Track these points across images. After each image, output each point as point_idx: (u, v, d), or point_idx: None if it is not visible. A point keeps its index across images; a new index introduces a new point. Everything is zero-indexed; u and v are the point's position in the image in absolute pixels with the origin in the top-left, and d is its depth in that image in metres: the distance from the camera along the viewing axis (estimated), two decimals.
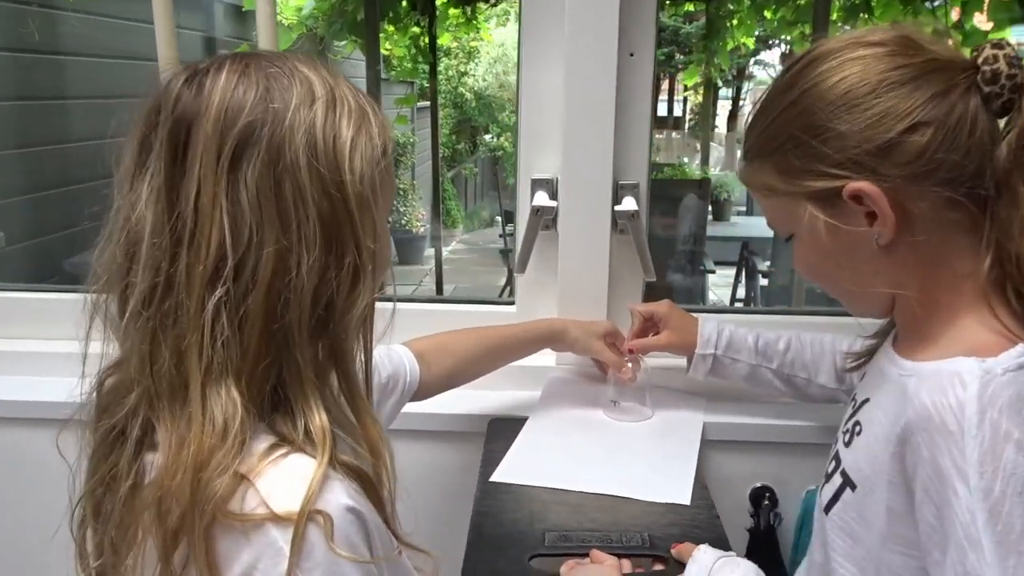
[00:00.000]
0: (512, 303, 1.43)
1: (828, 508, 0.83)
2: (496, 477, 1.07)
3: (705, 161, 7.38)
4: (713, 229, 5.38)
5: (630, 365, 1.24)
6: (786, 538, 1.32)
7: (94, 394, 0.66)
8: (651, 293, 1.42)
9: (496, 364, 1.22)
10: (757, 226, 5.64)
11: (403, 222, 7.49)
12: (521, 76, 1.31)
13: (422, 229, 7.63)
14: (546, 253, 1.35)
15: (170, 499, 0.57)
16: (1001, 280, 0.74)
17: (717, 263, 4.99)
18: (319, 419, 0.61)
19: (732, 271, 5.27)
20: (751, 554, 1.30)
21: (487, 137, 11.35)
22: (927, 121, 0.72)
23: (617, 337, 1.28)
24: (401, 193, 7.62)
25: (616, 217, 1.30)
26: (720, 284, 5.60)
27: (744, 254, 5.16)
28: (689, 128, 12.44)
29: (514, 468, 1.09)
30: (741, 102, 14.47)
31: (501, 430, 1.20)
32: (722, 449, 1.28)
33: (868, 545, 0.77)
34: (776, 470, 1.32)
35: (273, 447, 0.60)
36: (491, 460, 1.11)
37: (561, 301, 1.34)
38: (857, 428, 0.82)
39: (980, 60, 0.73)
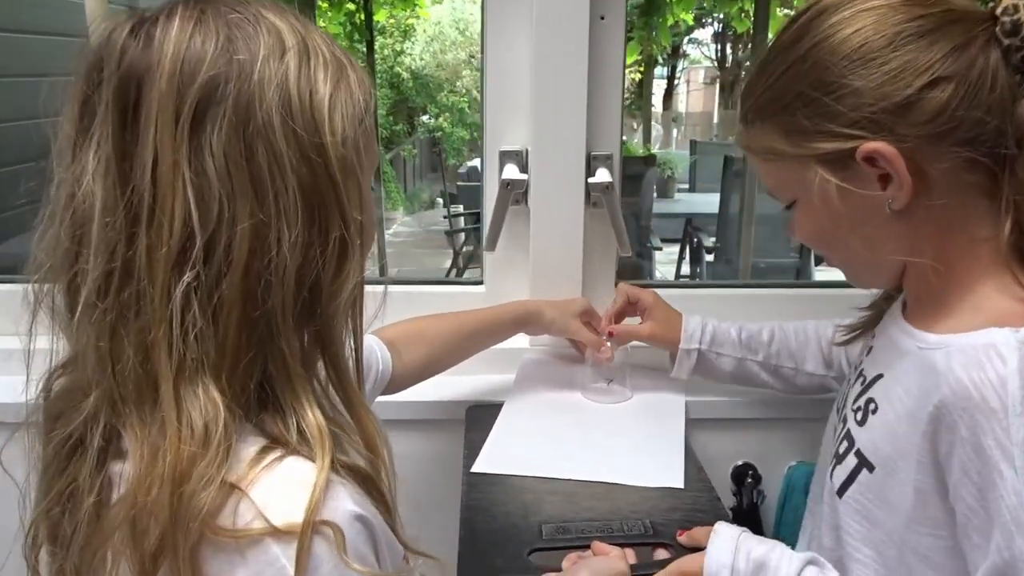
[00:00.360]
0: (480, 283, 1.36)
1: (842, 491, 0.79)
2: (477, 468, 1.00)
3: (647, 139, 7.40)
4: (657, 206, 5.40)
5: (608, 345, 1.19)
6: (768, 515, 1.30)
7: (41, 399, 0.58)
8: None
9: (470, 351, 1.15)
10: (701, 203, 5.67)
11: None
12: (486, 41, 1.24)
13: None
14: (516, 229, 1.29)
15: (146, 517, 0.49)
16: (1021, 244, 0.71)
17: (662, 240, 4.99)
18: (313, 416, 0.54)
19: (677, 248, 5.29)
20: None
21: (425, 118, 11.19)
22: (948, 76, 0.67)
23: (593, 316, 1.23)
24: None
25: (589, 189, 1.25)
26: (664, 261, 5.62)
27: (688, 230, 5.18)
28: (625, 107, 12.45)
29: (495, 457, 1.03)
30: (676, 81, 14.59)
31: (480, 417, 1.13)
32: (702, 428, 1.24)
33: (889, 527, 0.73)
34: (757, 447, 1.29)
35: (265, 451, 0.52)
36: (473, 449, 1.04)
37: (533, 279, 1.28)
38: (871, 406, 0.78)
39: (999, 11, 0.69)
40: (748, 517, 1.26)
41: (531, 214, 1.25)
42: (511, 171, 1.24)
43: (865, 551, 0.76)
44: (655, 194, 5.49)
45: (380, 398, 1.04)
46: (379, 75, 9.01)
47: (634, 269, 4.68)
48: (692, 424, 1.19)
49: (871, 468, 0.75)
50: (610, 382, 1.20)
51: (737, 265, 4.32)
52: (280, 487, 0.51)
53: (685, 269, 5.16)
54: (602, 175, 1.24)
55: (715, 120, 14.88)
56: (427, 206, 9.87)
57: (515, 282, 1.32)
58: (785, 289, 1.49)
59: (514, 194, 1.24)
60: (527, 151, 1.25)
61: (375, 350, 1.00)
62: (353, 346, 0.60)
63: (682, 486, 0.96)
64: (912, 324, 0.77)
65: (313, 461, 0.52)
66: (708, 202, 5.29)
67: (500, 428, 1.11)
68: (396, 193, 9.24)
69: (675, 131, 13.91)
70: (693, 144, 7.04)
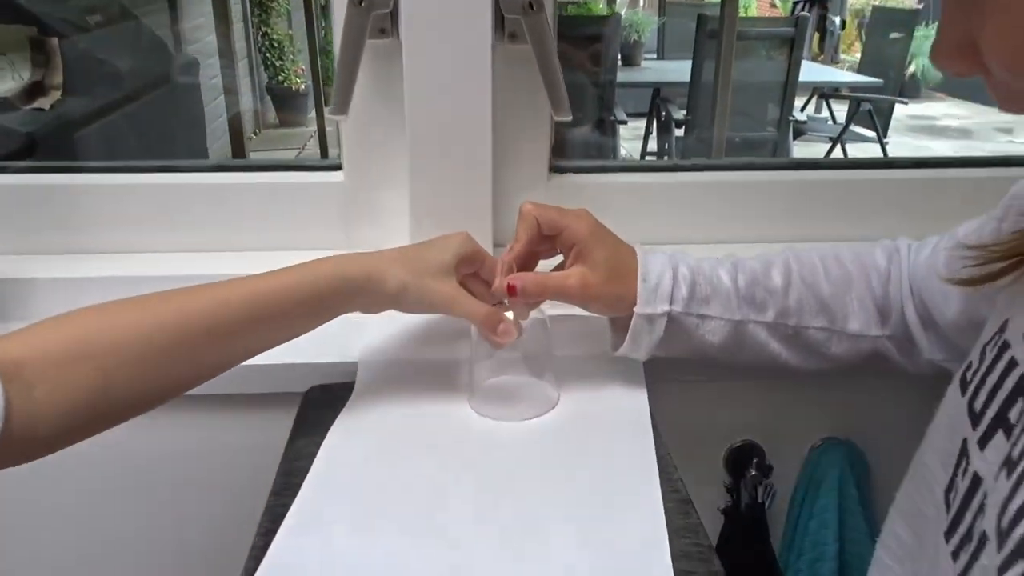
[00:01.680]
0: (338, 167, 0.87)
1: None
2: None
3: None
4: (621, 75, 4.85)
5: (510, 316, 0.66)
6: (777, 522, 0.87)
7: None
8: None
9: (216, 364, 0.58)
10: (670, 71, 5.10)
11: (280, 78, 6.63)
12: None
13: (303, 86, 6.78)
14: (387, 80, 0.79)
15: None
16: None
17: (627, 114, 4.46)
18: None
19: (643, 123, 4.78)
20: (728, 547, 0.85)
21: None
22: None
23: (481, 262, 0.69)
24: (275, 45, 6.75)
25: (501, 9, 0.74)
26: (629, 138, 5.09)
27: (656, 102, 4.67)
28: None
29: (297, 563, 0.51)
30: None
31: (326, 404, 0.67)
32: (680, 393, 0.80)
33: None
34: (763, 417, 0.85)
35: None
36: (294, 477, 0.58)
37: (414, 163, 0.79)
38: None
39: None
40: (749, 524, 0.83)
41: (403, 52, 0.75)
42: None
43: None
44: (619, 62, 4.91)
45: None
46: None
47: (596, 147, 4.19)
48: (661, 388, 0.73)
49: None
50: (487, 390, 0.69)
51: (710, 140, 3.85)
52: None
53: (652, 146, 4.67)
54: None
55: None
56: None
57: (388, 166, 0.83)
58: (787, 172, 0.94)
59: (374, 17, 0.73)
60: None
61: None
62: None
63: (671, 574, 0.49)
64: None
65: None
66: (678, 70, 4.73)
67: (312, 492, 0.57)
68: None
69: None
70: (662, 4, 6.36)
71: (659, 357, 0.69)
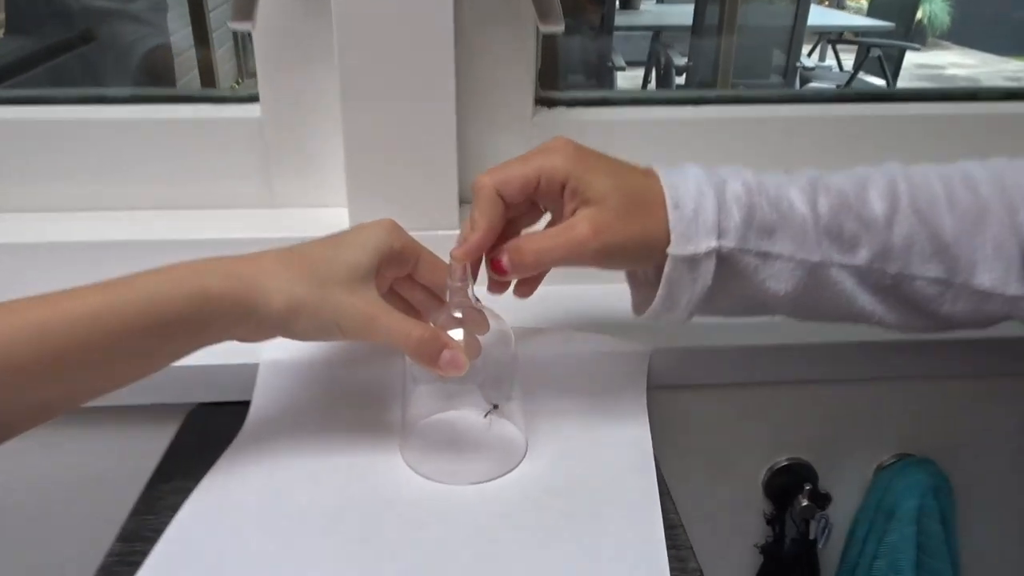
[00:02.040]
0: (254, 99, 0.66)
1: None
2: None
3: None
4: (618, 19, 4.61)
5: (460, 338, 0.44)
6: (829, 563, 0.68)
7: None
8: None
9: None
10: (671, 14, 4.84)
11: None
12: None
13: None
14: None
15: None
16: None
17: (626, 62, 4.22)
18: None
19: (642, 71, 4.54)
20: None
21: None
22: None
23: (412, 260, 0.47)
24: None
25: None
26: (626, 87, 4.85)
27: (656, 47, 4.43)
28: None
29: None
30: None
31: (212, 431, 0.48)
32: (706, 399, 0.60)
33: None
34: (816, 430, 0.65)
35: None
36: (137, 543, 0.39)
37: (346, 90, 0.58)
38: None
39: None
40: (794, 566, 0.64)
41: None
42: None
43: None
44: (617, 5, 4.65)
45: None
46: None
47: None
48: (679, 390, 0.54)
49: None
50: (486, 414, 0.48)
51: (713, 87, 3.64)
52: None
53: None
54: None
55: None
56: None
57: (320, 97, 0.62)
58: (830, 104, 0.71)
59: None
60: None
61: None
62: None
63: None
64: None
65: None
66: (679, 13, 4.49)
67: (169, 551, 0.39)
68: None
69: None
70: None
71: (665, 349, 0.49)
